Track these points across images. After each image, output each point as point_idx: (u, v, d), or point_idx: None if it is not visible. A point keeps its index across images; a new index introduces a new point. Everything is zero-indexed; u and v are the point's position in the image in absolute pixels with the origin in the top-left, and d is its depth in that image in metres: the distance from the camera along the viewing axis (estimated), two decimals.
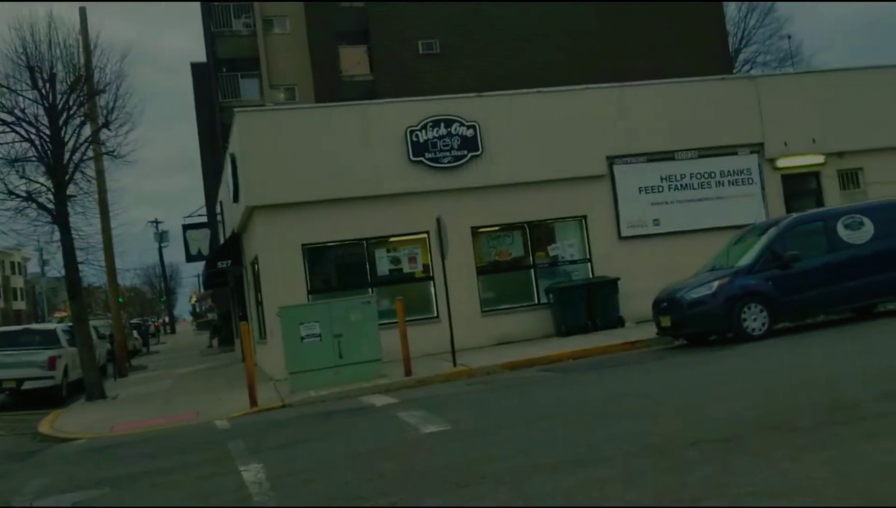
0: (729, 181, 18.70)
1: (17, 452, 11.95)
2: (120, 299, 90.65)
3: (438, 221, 14.46)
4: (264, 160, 16.37)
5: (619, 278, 17.22)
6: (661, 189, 18.45)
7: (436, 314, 16.92)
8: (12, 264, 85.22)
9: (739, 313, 12.63)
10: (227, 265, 20.76)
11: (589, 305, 17.01)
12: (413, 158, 17.02)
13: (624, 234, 18.22)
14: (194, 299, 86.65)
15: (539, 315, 17.52)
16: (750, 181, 18.79)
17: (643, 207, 18.31)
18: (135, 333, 45.97)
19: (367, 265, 17.08)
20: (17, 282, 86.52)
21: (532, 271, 17.97)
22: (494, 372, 13.47)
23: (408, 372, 13.62)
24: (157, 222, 67.14)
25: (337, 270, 17.47)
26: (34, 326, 25.55)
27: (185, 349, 40.47)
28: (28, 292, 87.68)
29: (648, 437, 6.55)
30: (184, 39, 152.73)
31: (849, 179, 19.60)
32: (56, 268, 45.44)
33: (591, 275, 17.96)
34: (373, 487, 6.13)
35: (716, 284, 12.97)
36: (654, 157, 18.43)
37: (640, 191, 18.33)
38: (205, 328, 61.18)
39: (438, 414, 9.15)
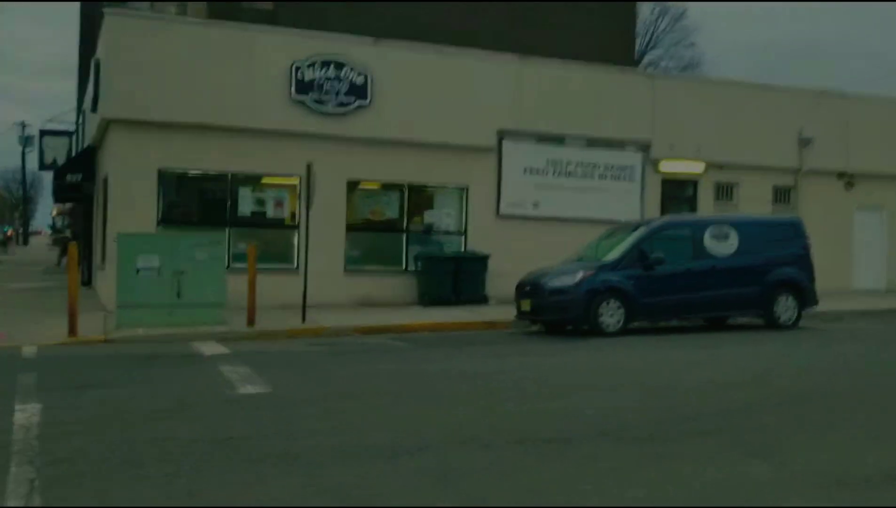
0: (612, 175, 18.65)
1: None
2: None
3: (308, 167, 13.52)
4: (129, 70, 14.80)
5: (489, 256, 16.84)
6: (545, 172, 18.17)
7: (296, 266, 15.99)
8: None
9: (597, 308, 12.48)
10: (77, 180, 18.97)
11: (456, 278, 16.55)
12: (295, 97, 15.89)
13: (503, 212, 17.85)
14: (55, 212, 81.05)
15: (404, 281, 16.93)
16: (632, 178, 18.81)
17: (526, 187, 17.97)
18: None
19: (229, 203, 15.88)
20: None
21: (404, 235, 17.31)
22: (344, 334, 12.78)
23: (250, 322, 12.70)
24: (23, 125, 61.89)
25: (194, 203, 16.18)
26: None
27: (32, 265, 37.53)
28: None
29: (477, 428, 6.05)
30: None
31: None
32: None
33: (463, 249, 17.50)
34: (155, 452, 5.32)
35: (580, 275, 12.75)
36: (543, 137, 18.07)
37: (524, 171, 17.97)
38: (59, 244, 57.25)
39: (264, 374, 8.37)
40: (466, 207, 17.73)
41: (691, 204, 19.56)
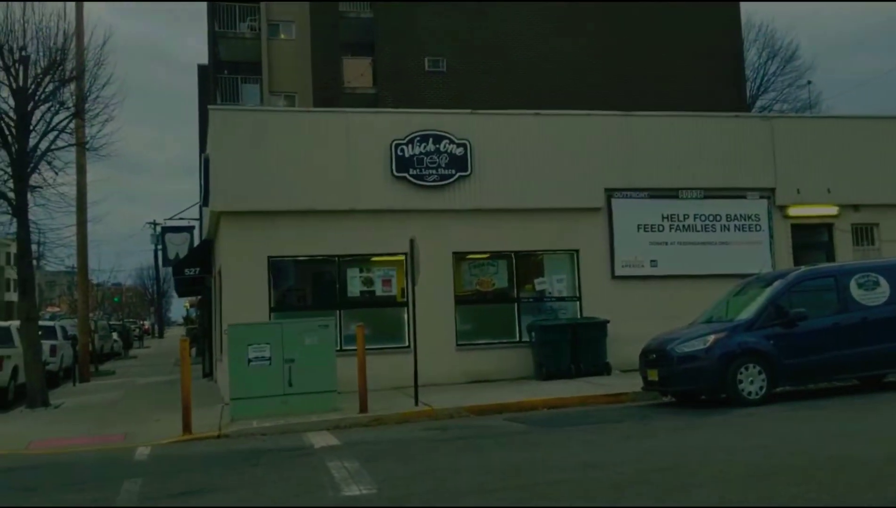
0: (735, 226, 17.39)
1: None
2: (116, 300, 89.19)
3: (412, 242, 13.18)
4: (236, 163, 15.14)
5: (608, 321, 15.87)
6: (661, 228, 17.15)
7: (407, 344, 15.55)
8: (7, 254, 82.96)
9: (735, 374, 11.26)
10: (194, 273, 19.49)
11: (574, 347, 15.65)
12: (396, 174, 15.78)
13: (618, 273, 16.90)
14: (188, 304, 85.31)
15: (519, 354, 16.16)
16: (758, 228, 17.48)
17: (641, 245, 17.00)
18: (114, 334, 44.65)
19: (337, 285, 15.77)
20: (11, 274, 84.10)
21: (515, 304, 16.64)
22: (458, 416, 12.10)
23: (363, 408, 12.26)
24: (154, 224, 65.96)
25: (305, 288, 16.18)
26: None
27: (164, 356, 39.08)
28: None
29: None
30: (200, 42, 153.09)
31: (863, 234, 18.27)
32: (56, 261, 43.89)
33: (579, 315, 16.62)
34: None
35: (711, 338, 11.61)
36: (656, 193, 17.15)
37: (638, 228, 17.03)
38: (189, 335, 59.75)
39: (372, 469, 7.79)
40: (578, 270, 16.91)
41: (827, 251, 17.91)
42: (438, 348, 15.29)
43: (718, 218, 17.31)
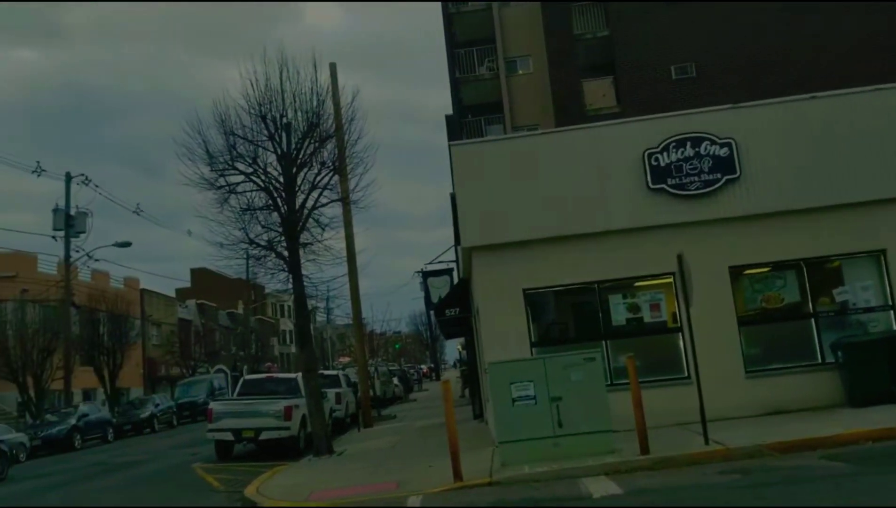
0: None
1: None
2: (396, 346, 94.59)
3: (679, 259, 11.67)
4: (480, 196, 14.72)
5: None
6: None
7: (686, 375, 13.89)
8: (281, 307, 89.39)
9: None
10: (455, 313, 19.40)
11: (893, 366, 12.93)
12: (653, 186, 14.35)
13: None
14: (460, 346, 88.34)
15: (823, 378, 13.72)
16: None
17: None
18: (395, 379, 47.04)
19: (600, 314, 14.57)
20: (286, 325, 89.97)
21: (813, 321, 14.23)
22: (759, 455, 10.26)
23: (643, 449, 10.88)
24: (422, 272, 69.39)
25: (565, 319, 15.19)
26: (278, 374, 26.26)
27: (441, 398, 40.15)
28: (316, 337, 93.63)
29: None
30: (444, 96, 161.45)
31: None
32: (343, 315, 47.66)
33: (895, 326, 13.80)
34: None
35: None
36: None
37: None
38: (463, 375, 61.46)
39: None
40: (888, 273, 14.11)
41: None
42: (723, 376, 13.44)
43: None
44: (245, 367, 51.37)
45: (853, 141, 14.17)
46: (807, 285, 14.33)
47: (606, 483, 9.43)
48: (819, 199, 14.10)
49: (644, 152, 14.40)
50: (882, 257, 14.19)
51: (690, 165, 14.30)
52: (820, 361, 13.96)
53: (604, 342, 14.21)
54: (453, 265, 29.35)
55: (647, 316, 14.58)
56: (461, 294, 19.57)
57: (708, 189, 14.25)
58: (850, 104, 14.51)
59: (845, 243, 14.19)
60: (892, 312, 14.04)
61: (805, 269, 14.35)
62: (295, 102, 17.30)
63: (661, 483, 9.16)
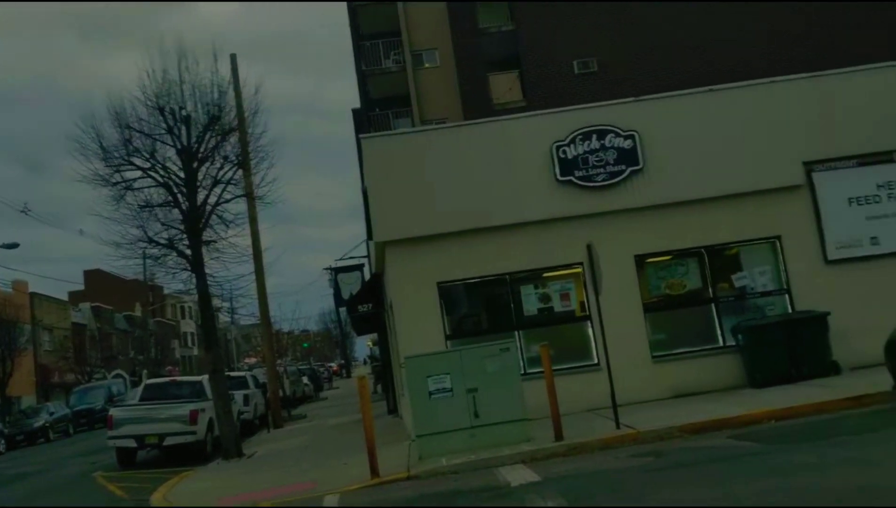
0: None
1: None
2: (305, 345, 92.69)
3: (589, 248, 11.89)
4: (392, 189, 14.58)
5: (828, 313, 13.69)
6: (877, 199, 14.73)
7: (596, 361, 14.21)
8: (182, 308, 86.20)
9: None
10: (368, 309, 19.20)
11: (791, 347, 13.60)
12: (561, 178, 14.56)
13: (832, 257, 14.64)
14: (370, 343, 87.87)
15: (725, 361, 14.29)
16: None
17: (856, 222, 14.65)
18: (305, 378, 46.25)
19: (512, 305, 14.70)
20: (188, 327, 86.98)
21: (713, 306, 14.79)
22: (669, 437, 10.57)
23: (558, 436, 11.03)
24: (330, 268, 68.53)
25: (478, 311, 15.23)
26: (181, 378, 25.33)
27: (353, 395, 39.65)
28: (220, 338, 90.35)
29: None
30: (351, 90, 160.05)
31: None
32: (247, 315, 46.44)
33: (790, 309, 14.51)
34: None
35: None
36: (865, 159, 14.77)
37: (850, 203, 14.72)
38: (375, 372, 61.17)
39: None
40: (783, 259, 14.81)
41: None
42: (631, 362, 13.79)
43: None
44: (145, 372, 49.44)
45: (749, 132, 14.77)
46: (707, 271, 14.87)
47: (524, 471, 9.49)
48: (718, 188, 14.64)
49: (552, 145, 14.59)
50: (778, 243, 14.86)
51: (596, 157, 14.59)
52: (721, 344, 14.51)
53: (516, 333, 14.34)
54: (364, 261, 29.07)
55: (558, 306, 14.81)
56: (373, 289, 19.38)
57: (613, 180, 14.57)
58: (745, 96, 15.13)
59: (743, 230, 14.79)
60: (787, 296, 14.73)
61: (706, 256, 14.88)
62: (195, 93, 16.71)
63: (576, 468, 9.28)
